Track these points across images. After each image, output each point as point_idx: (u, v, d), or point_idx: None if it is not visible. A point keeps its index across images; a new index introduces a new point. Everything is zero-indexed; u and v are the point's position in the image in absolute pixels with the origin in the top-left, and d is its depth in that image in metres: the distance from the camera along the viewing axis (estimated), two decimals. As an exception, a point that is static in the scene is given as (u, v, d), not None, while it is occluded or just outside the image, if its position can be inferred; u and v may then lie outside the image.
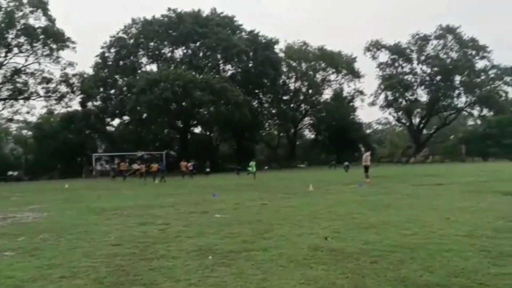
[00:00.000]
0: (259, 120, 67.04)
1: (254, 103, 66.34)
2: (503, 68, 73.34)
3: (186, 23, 60.30)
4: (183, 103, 55.51)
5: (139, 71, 61.11)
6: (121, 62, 62.87)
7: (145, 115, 57.68)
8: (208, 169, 43.04)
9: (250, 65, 63.80)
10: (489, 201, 12.41)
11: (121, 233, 8.84)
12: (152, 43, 63.98)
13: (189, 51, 64.65)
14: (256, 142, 73.85)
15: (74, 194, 23.23)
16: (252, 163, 35.08)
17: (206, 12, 64.33)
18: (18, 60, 55.96)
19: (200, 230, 8.71)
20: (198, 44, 62.79)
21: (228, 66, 66.36)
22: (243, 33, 65.62)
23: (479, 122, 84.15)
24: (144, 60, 65.66)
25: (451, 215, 9.73)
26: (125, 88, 57.87)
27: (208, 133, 71.30)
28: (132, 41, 63.01)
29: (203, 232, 8.45)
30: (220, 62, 64.53)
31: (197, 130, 70.96)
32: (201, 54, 63.85)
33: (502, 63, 73.28)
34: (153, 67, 64.33)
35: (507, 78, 73.46)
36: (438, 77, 75.23)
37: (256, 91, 67.50)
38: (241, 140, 67.44)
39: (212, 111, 56.41)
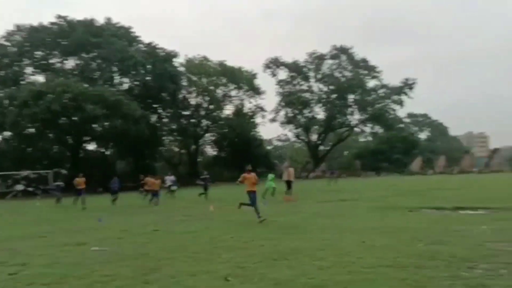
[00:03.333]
0: (158, 136, 63.98)
1: (153, 118, 63.30)
2: (391, 88, 78.03)
3: (78, 32, 55.94)
4: (74, 118, 51.04)
5: (22, 82, 55.27)
6: (2, 72, 56.50)
7: (30, 130, 52.14)
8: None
9: (148, 78, 60.81)
10: (399, 219, 11.77)
11: (-49, 282, 6.50)
12: (39, 52, 58.49)
13: (82, 62, 60.09)
14: (156, 159, 70.49)
15: None
16: (271, 177, 24.26)
17: (100, 21, 60.48)
18: None
19: (65, 272, 6.66)
20: (91, 54, 58.58)
21: (125, 79, 62.56)
22: (141, 45, 62.64)
23: (370, 138, 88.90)
24: (29, 70, 59.71)
25: (366, 237, 8.70)
26: (6, 101, 51.83)
27: (103, 150, 66.61)
28: (15, 49, 57.06)
29: (67, 276, 6.42)
30: (116, 74, 60.73)
31: (92, 147, 65.95)
32: (94, 65, 59.59)
33: (390, 83, 78.11)
34: (40, 78, 58.70)
35: (395, 97, 78.24)
36: (334, 95, 77.96)
37: (155, 105, 64.46)
38: (139, 157, 63.75)
39: (107, 126, 52.53)
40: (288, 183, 21.58)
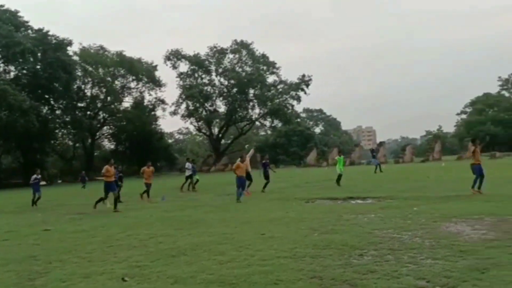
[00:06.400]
0: (50, 129, 59.86)
1: (44, 110, 59.07)
2: (289, 83, 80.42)
3: (-46, 12, 50.34)
4: None
5: None
6: None
7: None
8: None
9: (38, 67, 56.57)
10: (296, 210, 12.21)
11: None
12: None
13: (-42, 47, 54.16)
14: (47, 154, 65.87)
15: None
16: (340, 159, 21.68)
17: (-19, 3, 54.76)
18: None
19: None
20: (-30, 39, 52.94)
21: (11, 67, 57.63)
22: (30, 31, 57.97)
23: (269, 132, 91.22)
24: None
25: (265, 229, 8.89)
26: None
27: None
28: None
29: None
30: (0, 61, 55.60)
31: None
32: (-26, 51, 54.00)
33: (288, 79, 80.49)
34: None
35: (293, 93, 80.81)
36: (235, 89, 78.55)
37: (46, 96, 60.19)
38: (28, 152, 59.16)
39: (-10, 118, 47.99)
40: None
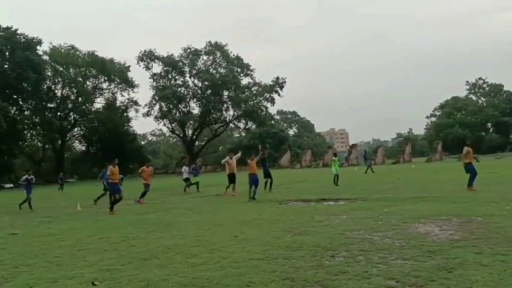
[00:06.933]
0: (18, 129, 58.40)
1: (12, 111, 57.60)
2: (263, 86, 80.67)
3: None
4: None
5: None
6: None
7: None
8: None
9: (6, 66, 55.13)
10: (269, 211, 12.25)
11: None
12: None
13: None
14: (15, 156, 64.16)
15: None
16: (335, 161, 22.36)
17: None
18: None
19: None
20: None
21: (-23, 66, 56.01)
22: (-3, 29, 56.55)
23: (243, 134, 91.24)
24: None
25: (238, 231, 8.89)
26: None
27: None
28: None
29: None
30: (-34, 60, 54.00)
31: None
32: None
33: (262, 81, 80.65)
34: None
35: (267, 95, 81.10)
36: (209, 91, 78.29)
37: (15, 96, 58.69)
38: (-4, 153, 57.56)
39: (-46, 118, 46.50)
40: (231, 177, 18.96)
